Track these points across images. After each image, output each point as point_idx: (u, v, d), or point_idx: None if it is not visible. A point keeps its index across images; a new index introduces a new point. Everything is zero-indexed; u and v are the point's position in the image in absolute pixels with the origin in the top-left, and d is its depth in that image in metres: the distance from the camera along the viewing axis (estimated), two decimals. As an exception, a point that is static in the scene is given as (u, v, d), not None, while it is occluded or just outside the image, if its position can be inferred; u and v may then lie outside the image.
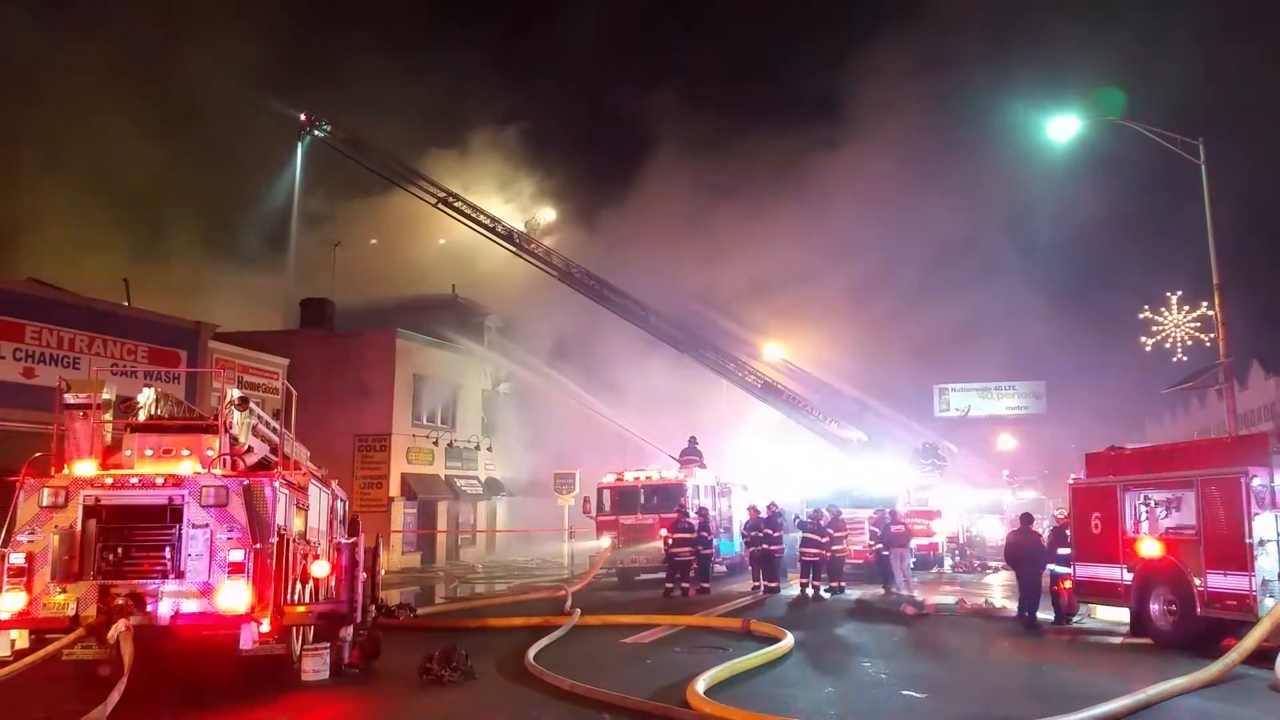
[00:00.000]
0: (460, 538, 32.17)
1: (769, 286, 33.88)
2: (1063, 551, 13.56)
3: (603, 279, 27.84)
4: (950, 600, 16.63)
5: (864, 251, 34.00)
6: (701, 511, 19.68)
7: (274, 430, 10.68)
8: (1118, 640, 12.14)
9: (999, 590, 18.34)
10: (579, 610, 14.01)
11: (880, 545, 18.23)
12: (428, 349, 30.53)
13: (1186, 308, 35.33)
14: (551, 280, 28.47)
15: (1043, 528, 15.89)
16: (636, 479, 21.69)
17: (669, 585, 18.18)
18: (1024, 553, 14.12)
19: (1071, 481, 13.39)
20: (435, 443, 30.24)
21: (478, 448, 32.73)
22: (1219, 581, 10.60)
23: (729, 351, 28.00)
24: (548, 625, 12.77)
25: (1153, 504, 11.74)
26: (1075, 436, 33.57)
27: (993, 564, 23.71)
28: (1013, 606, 14.35)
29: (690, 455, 23.22)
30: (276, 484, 9.07)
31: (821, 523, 18.37)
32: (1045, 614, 13.87)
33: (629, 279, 28.57)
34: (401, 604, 15.43)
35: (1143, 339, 35.92)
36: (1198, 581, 10.85)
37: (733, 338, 30.14)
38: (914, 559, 21.68)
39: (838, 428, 26.29)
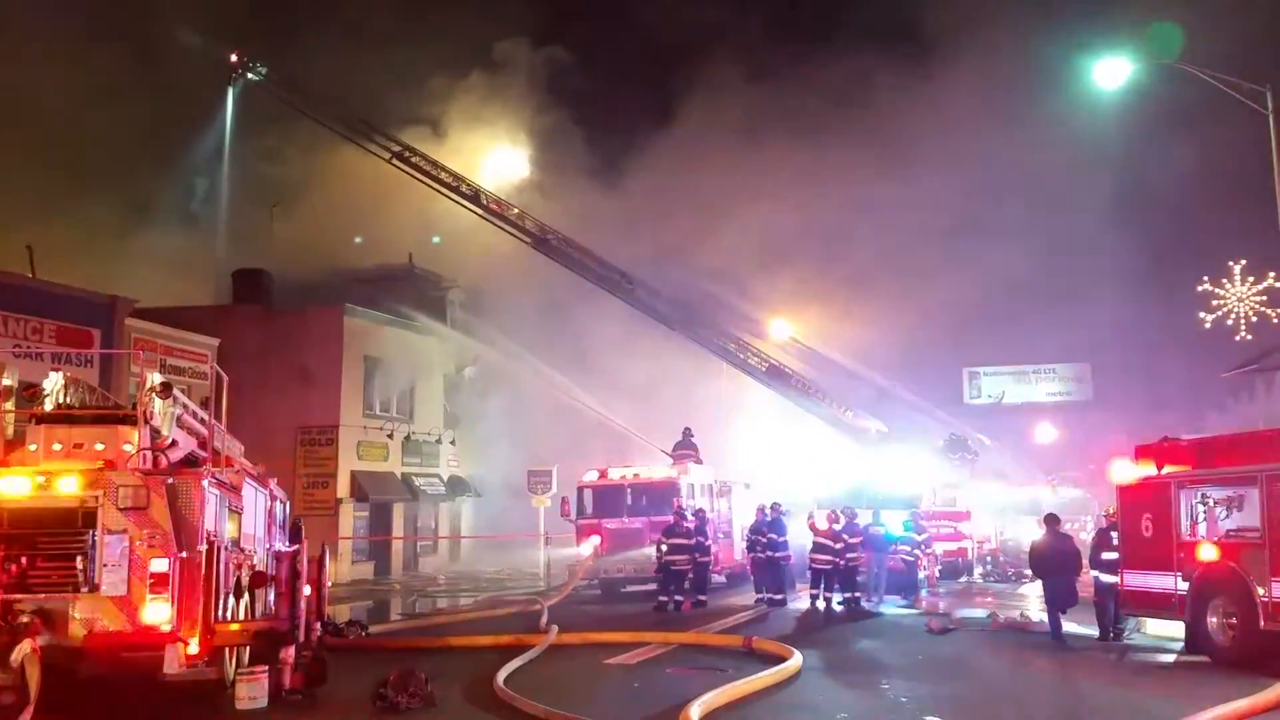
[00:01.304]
0: (420, 545, 32.03)
1: (776, 255, 33.48)
2: (1108, 557, 13.56)
3: (583, 246, 27.66)
4: (980, 614, 16.76)
5: (885, 216, 33.72)
6: (699, 514, 19.71)
7: (202, 421, 10.67)
8: (1170, 658, 12.12)
9: (1036, 601, 18.20)
10: (556, 627, 14.05)
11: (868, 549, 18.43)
12: (381, 328, 30.24)
13: (1251, 279, 35.05)
14: (524, 248, 28.29)
15: (1089, 531, 15.84)
16: (623, 477, 21.71)
17: (662, 598, 18.25)
18: (1052, 560, 14.02)
19: (1117, 478, 13.34)
20: (390, 436, 30.08)
21: (439, 441, 32.56)
22: (1286, 591, 10.86)
23: (728, 330, 27.85)
24: (520, 645, 12.81)
25: (1211, 503, 11.76)
26: (1125, 426, 33.61)
27: (1029, 572, 22.69)
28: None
29: (684, 450, 23.21)
30: (205, 483, 9.04)
31: (835, 527, 18.25)
32: (1088, 629, 13.90)
33: (613, 246, 28.56)
34: (351, 621, 15.48)
35: (1201, 315, 35.71)
36: (1261, 591, 10.78)
37: (733, 313, 30.15)
38: (939, 566, 22.08)
39: (854, 417, 26.40)
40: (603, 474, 21.97)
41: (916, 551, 19.28)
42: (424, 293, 33.01)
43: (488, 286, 32.96)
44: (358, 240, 33.78)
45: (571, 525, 22.26)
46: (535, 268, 29.40)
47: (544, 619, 15.68)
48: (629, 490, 21.56)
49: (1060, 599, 13.95)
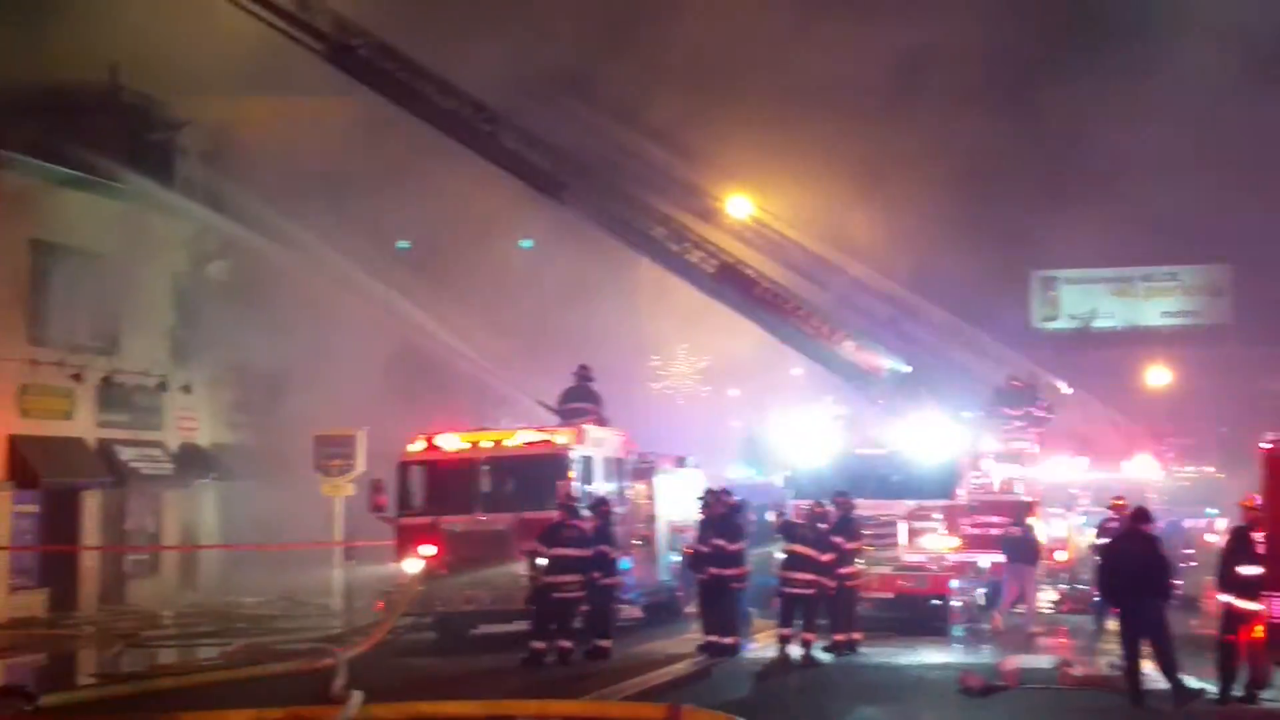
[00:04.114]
0: (129, 560, 31.37)
1: (734, 79, 34.34)
2: (1246, 573, 14.14)
3: (411, 59, 26.74)
4: (1046, 664, 17.24)
5: (912, 26, 33.84)
6: (601, 508, 19.80)
7: None
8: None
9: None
10: (360, 694, 13.91)
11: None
12: (62, 192, 29.04)
13: None
14: (313, 60, 27.26)
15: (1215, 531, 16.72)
16: (474, 446, 21.68)
17: (537, 645, 18.44)
18: (1129, 572, 14.42)
19: (1269, 445, 14.15)
20: (78, 377, 29.26)
21: (163, 388, 31.85)
22: None
23: (654, 205, 27.50)
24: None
25: None
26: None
27: None
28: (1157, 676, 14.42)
29: (578, 402, 23.38)
30: None
31: (820, 526, 18.77)
32: (1207, 683, 14.60)
33: (465, 63, 27.91)
34: (8, 687, 16.18)
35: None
36: None
37: (664, 178, 30.16)
38: (982, 588, 23.35)
39: (854, 349, 26.28)
40: (433, 443, 21.80)
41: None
42: (138, 134, 31.95)
43: (248, 127, 32.33)
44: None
45: (387, 526, 22.20)
46: (331, 99, 29.29)
47: (339, 680, 15.43)
48: (484, 468, 21.71)
49: (1137, 630, 14.33)
